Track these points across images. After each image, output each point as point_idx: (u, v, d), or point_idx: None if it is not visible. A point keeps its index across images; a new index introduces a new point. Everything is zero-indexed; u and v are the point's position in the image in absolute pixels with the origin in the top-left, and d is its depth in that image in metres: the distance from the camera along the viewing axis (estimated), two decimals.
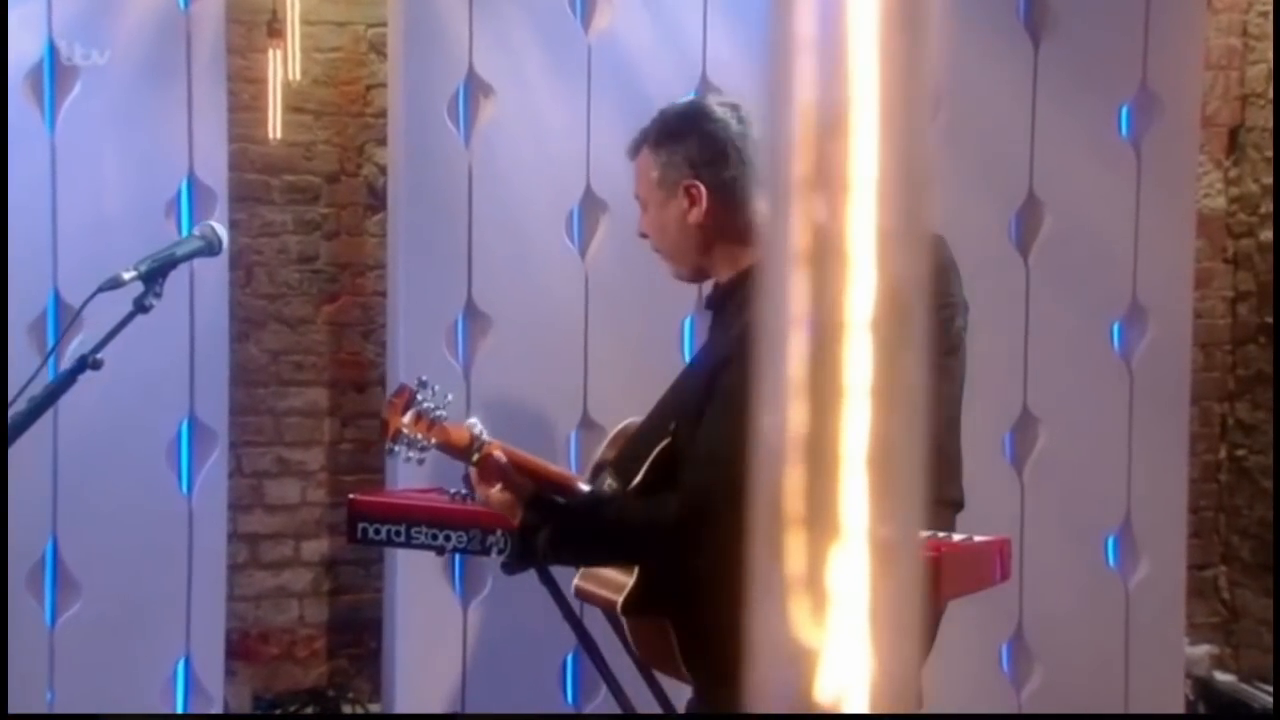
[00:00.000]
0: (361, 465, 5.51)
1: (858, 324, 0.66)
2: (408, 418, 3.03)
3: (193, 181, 5.03)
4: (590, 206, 5.26)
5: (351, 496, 4.12)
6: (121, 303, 3.16)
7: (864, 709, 0.66)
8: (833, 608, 0.65)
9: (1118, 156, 5.63)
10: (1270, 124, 5.82)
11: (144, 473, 4.98)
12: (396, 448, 3.05)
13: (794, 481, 0.66)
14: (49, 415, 4.95)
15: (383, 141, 5.44)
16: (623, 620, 3.27)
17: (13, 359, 4.67)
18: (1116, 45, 5.59)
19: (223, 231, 3.26)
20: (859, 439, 0.65)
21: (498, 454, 3.06)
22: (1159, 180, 5.64)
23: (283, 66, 4.99)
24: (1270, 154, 5.82)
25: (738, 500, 2.84)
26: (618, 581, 3.15)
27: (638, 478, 3.05)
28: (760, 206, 3.12)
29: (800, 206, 0.65)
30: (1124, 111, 5.66)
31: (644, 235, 3.23)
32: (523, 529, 3.08)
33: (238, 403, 5.28)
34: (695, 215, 3.08)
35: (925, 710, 4.35)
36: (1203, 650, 6.12)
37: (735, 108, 3.16)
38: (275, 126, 5.04)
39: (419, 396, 3.06)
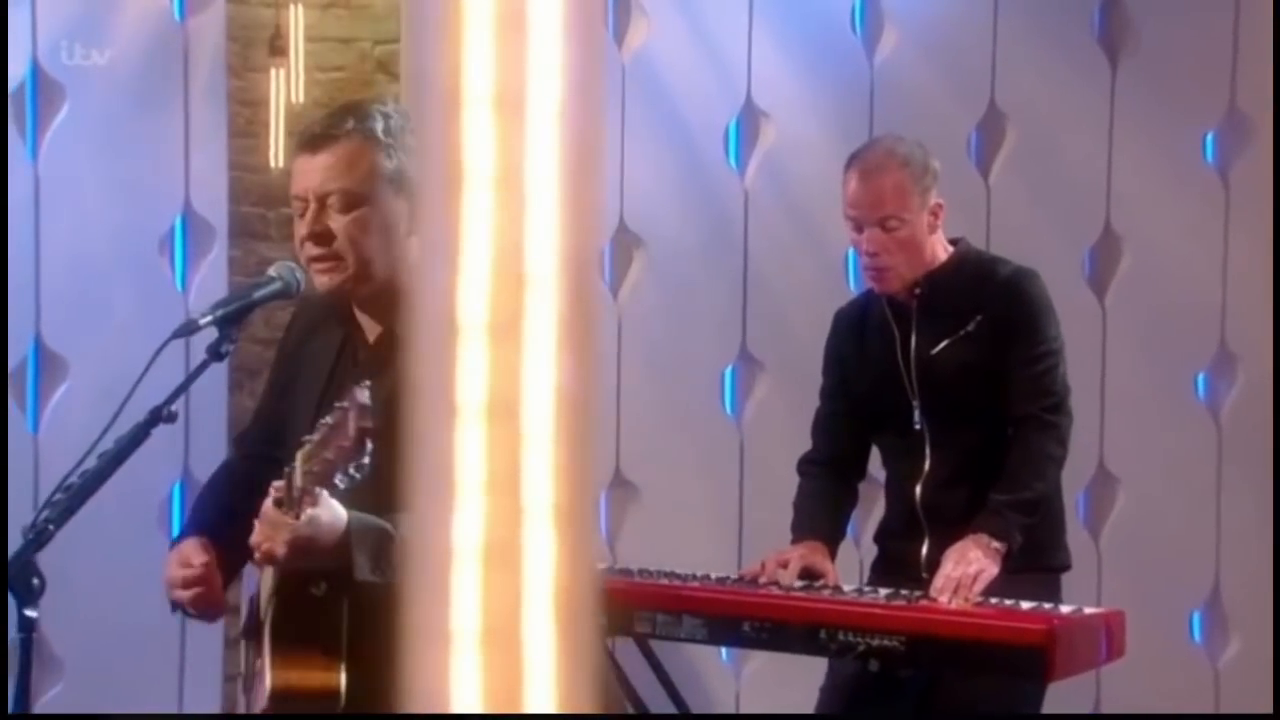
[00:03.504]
0: None
1: None
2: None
3: (189, 215, 4.85)
4: (621, 242, 5.07)
5: None
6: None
7: None
8: None
9: (1203, 186, 5.38)
10: None
11: (134, 536, 4.66)
12: None
13: None
14: (30, 473, 4.58)
15: None
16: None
17: None
18: (1202, 64, 5.35)
19: (300, 273, 2.91)
20: None
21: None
22: (1249, 213, 5.34)
23: (285, 87, 4.56)
24: None
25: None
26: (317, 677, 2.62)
27: None
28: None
29: None
30: (1210, 137, 5.43)
31: (318, 240, 2.79)
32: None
33: None
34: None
35: None
36: None
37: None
38: (277, 154, 4.63)
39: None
